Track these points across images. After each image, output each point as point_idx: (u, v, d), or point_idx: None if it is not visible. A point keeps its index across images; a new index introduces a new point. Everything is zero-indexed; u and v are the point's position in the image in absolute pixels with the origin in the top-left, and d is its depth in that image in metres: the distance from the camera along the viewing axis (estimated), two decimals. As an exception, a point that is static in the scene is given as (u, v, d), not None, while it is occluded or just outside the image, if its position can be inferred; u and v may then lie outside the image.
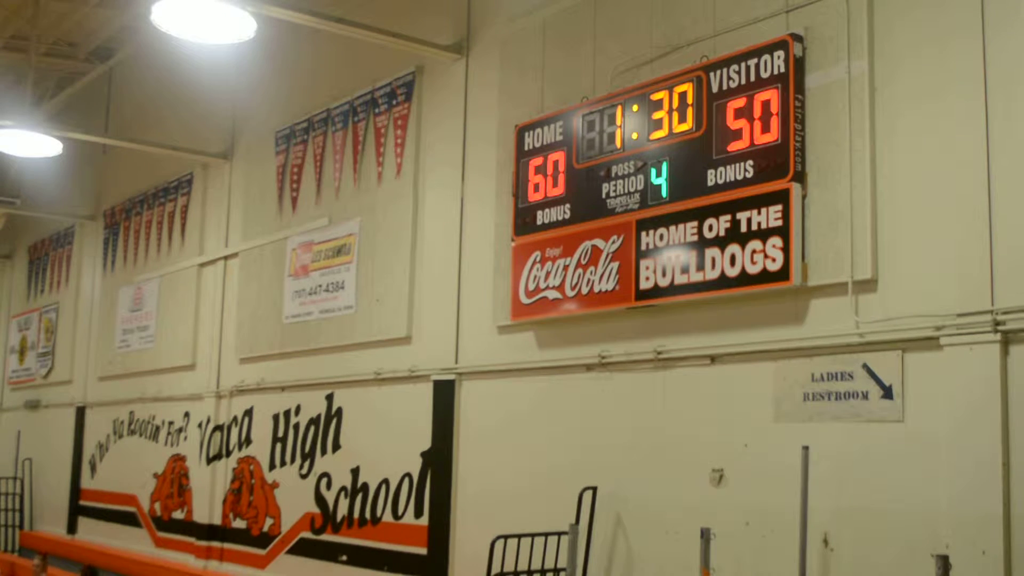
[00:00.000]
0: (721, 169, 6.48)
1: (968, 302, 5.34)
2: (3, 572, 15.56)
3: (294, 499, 10.71)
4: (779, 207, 6.11)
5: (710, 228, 6.49)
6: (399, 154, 9.71)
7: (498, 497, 8.18)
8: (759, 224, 6.20)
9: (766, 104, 6.26)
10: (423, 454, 9.01)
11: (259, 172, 11.95)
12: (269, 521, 11.09)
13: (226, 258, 12.49)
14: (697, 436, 6.70)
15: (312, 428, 10.59)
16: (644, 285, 6.89)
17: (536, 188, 7.84)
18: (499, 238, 8.35)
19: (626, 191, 7.10)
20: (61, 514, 16.31)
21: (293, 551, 10.63)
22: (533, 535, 7.28)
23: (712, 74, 6.63)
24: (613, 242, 7.13)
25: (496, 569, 7.04)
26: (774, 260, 6.11)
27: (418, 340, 9.30)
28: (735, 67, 6.49)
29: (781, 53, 6.23)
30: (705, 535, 6.09)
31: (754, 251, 6.22)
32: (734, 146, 6.42)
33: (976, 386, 5.26)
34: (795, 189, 6.08)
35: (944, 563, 4.98)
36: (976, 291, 5.33)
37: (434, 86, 9.48)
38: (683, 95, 6.79)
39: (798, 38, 6.22)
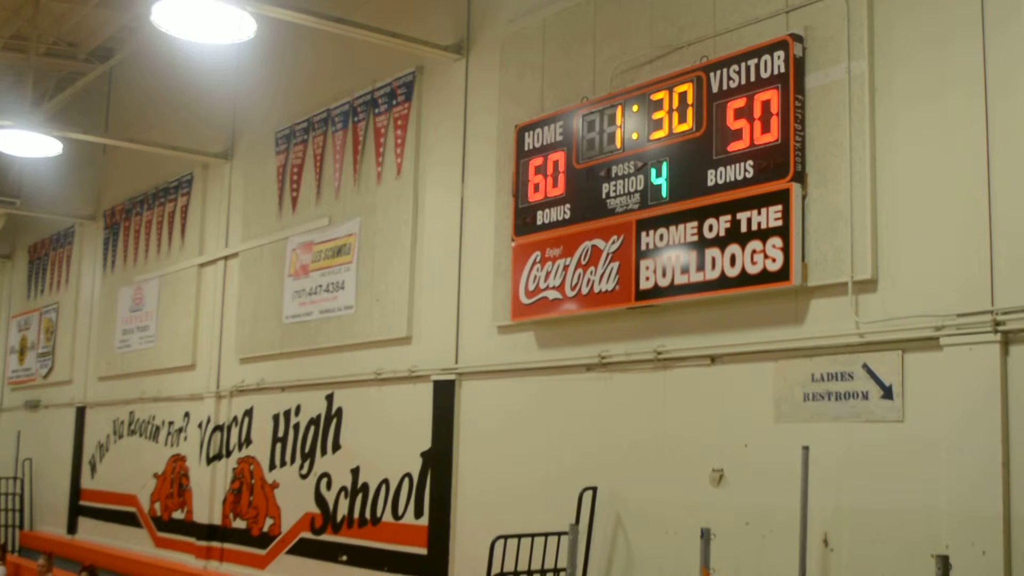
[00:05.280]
0: (721, 169, 6.48)
1: (968, 302, 5.34)
2: (8, 572, 15.56)
3: (294, 499, 10.71)
4: (779, 207, 6.12)
5: (710, 228, 6.49)
6: (399, 154, 9.72)
7: (498, 497, 8.18)
8: (759, 224, 6.21)
9: (766, 104, 6.27)
10: (423, 454, 9.01)
11: (259, 172, 11.95)
12: (269, 521, 11.09)
13: (226, 258, 12.49)
14: (697, 436, 6.70)
15: (312, 428, 10.59)
16: (644, 285, 6.89)
17: (536, 188, 7.84)
18: (499, 238, 8.36)
19: (626, 191, 7.11)
20: (61, 514, 16.31)
21: (293, 551, 10.63)
22: (533, 535, 7.28)
23: (712, 74, 6.63)
24: (613, 242, 7.13)
25: (496, 569, 7.05)
26: (774, 260, 6.11)
27: (418, 340, 9.30)
28: (735, 67, 6.49)
29: (781, 53, 6.23)
30: (705, 535, 6.09)
31: (754, 251, 6.22)
32: (734, 146, 6.42)
33: (976, 386, 5.26)
34: (795, 189, 6.08)
35: (944, 563, 4.98)
36: (976, 291, 5.33)
37: (434, 86, 9.48)
38: (683, 95, 6.79)
39: (798, 38, 6.22)
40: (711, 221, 6.49)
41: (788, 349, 6.18)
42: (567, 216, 7.56)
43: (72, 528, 15.94)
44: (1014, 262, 5.22)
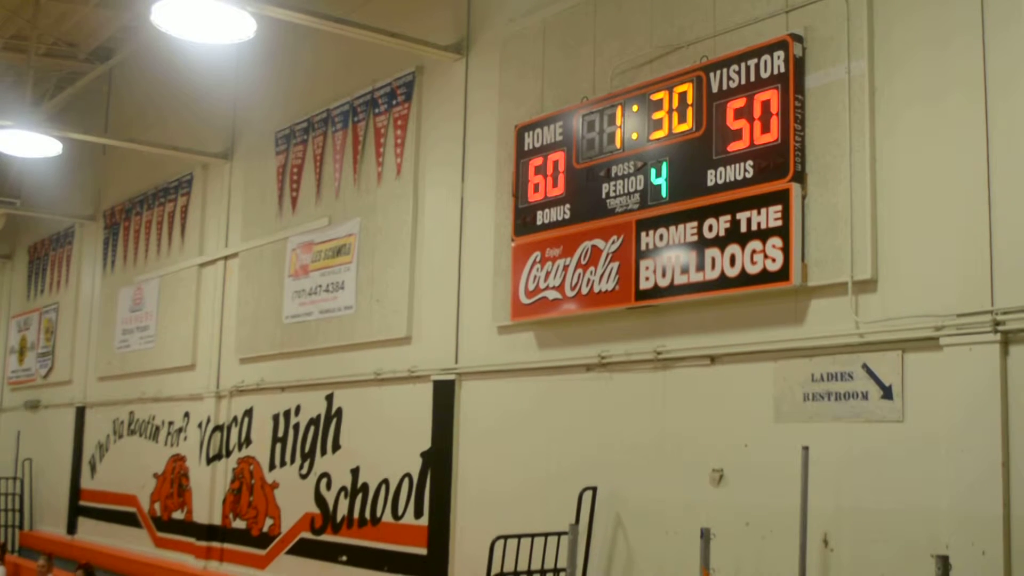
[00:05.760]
0: (721, 169, 6.48)
1: (968, 302, 5.34)
2: (7, 572, 15.56)
3: (294, 499, 10.71)
4: (779, 207, 6.12)
5: (710, 228, 6.49)
6: (399, 154, 9.72)
7: (498, 497, 8.18)
8: (759, 224, 6.20)
9: (766, 104, 6.27)
10: (423, 454, 9.01)
11: (259, 172, 11.95)
12: (269, 521, 11.09)
13: (226, 258, 12.49)
14: (697, 436, 6.70)
15: (312, 428, 10.59)
16: (644, 285, 6.89)
17: (536, 188, 7.84)
18: (499, 238, 8.36)
19: (626, 191, 7.11)
20: (61, 514, 16.31)
21: (293, 551, 10.63)
22: (533, 535, 7.28)
23: (712, 74, 6.63)
24: (613, 242, 7.13)
25: (496, 569, 7.05)
26: (774, 260, 6.11)
27: (418, 340, 9.30)
28: (735, 67, 6.49)
29: (781, 53, 6.23)
30: (705, 535, 6.09)
31: (754, 251, 6.22)
32: (734, 146, 6.42)
33: (976, 386, 5.26)
34: (795, 189, 6.08)
35: (944, 563, 4.98)
36: (976, 291, 5.33)
37: (434, 86, 9.48)
38: (683, 95, 6.79)
39: (798, 38, 6.22)
40: (711, 221, 6.48)
41: (788, 349, 6.18)
42: (567, 216, 7.56)
43: (72, 528, 15.94)
44: (1014, 262, 5.22)
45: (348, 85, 10.48)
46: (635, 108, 7.12)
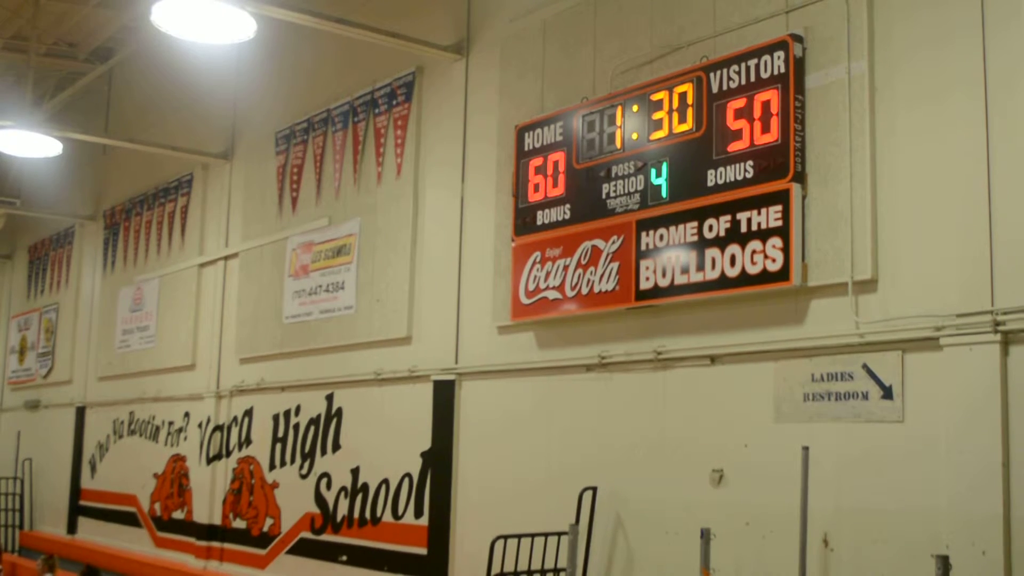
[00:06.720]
0: (721, 169, 6.48)
1: (968, 302, 5.34)
2: (6, 572, 15.55)
3: (294, 499, 10.71)
4: (779, 207, 6.12)
5: (710, 228, 6.49)
6: (399, 154, 9.72)
7: (498, 497, 8.18)
8: (759, 224, 6.21)
9: (766, 104, 6.27)
10: (423, 454, 9.01)
11: (259, 172, 11.95)
12: (269, 521, 11.09)
13: (226, 258, 12.49)
14: (697, 436, 6.70)
15: (312, 428, 10.59)
16: (644, 285, 6.89)
17: (536, 188, 7.84)
18: (499, 238, 8.36)
19: (626, 191, 7.11)
20: (61, 514, 16.32)
21: (293, 551, 10.63)
22: (533, 535, 7.28)
23: (712, 74, 6.63)
24: (613, 242, 7.13)
25: (496, 569, 7.05)
26: (774, 260, 6.11)
27: (418, 340, 9.30)
28: (735, 67, 6.49)
29: (781, 53, 6.23)
30: (705, 535, 6.09)
31: (754, 251, 6.22)
32: (734, 146, 6.42)
33: (976, 386, 5.26)
34: (795, 189, 6.08)
35: (944, 563, 4.98)
36: (976, 291, 5.33)
37: (434, 86, 9.48)
38: (683, 95, 6.79)
39: (798, 38, 6.22)
40: (711, 221, 6.49)
41: (788, 349, 6.18)
42: (567, 216, 7.56)
43: (72, 528, 15.94)
44: (1014, 262, 5.22)
45: (348, 85, 10.48)
46: (635, 108, 7.12)
